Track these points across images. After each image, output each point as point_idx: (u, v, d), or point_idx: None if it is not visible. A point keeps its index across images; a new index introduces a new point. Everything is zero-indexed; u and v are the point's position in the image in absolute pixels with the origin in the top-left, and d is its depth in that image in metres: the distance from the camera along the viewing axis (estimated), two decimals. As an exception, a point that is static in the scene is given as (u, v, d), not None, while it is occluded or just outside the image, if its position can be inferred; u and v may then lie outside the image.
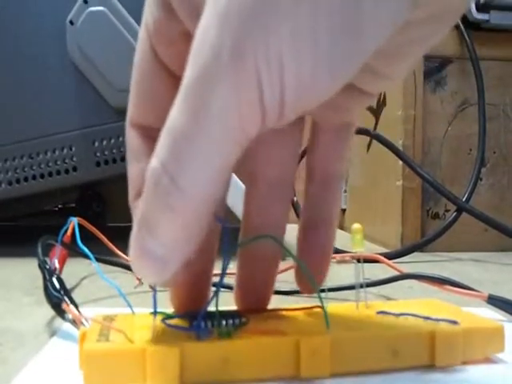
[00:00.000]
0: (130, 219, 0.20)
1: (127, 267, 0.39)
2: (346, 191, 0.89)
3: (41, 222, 0.85)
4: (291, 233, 0.27)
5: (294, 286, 0.27)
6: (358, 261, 0.28)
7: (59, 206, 0.89)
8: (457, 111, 0.67)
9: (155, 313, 0.23)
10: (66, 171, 0.59)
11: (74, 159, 0.58)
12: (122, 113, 0.24)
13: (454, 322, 0.24)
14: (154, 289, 0.22)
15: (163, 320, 0.23)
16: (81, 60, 0.57)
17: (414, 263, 0.57)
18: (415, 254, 0.60)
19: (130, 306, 0.24)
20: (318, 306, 0.24)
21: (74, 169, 0.58)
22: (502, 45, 0.67)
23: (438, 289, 0.33)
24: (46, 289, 0.28)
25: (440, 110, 0.67)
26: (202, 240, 0.19)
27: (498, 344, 0.24)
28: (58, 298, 0.27)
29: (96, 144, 0.58)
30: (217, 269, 0.24)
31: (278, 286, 0.28)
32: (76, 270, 0.45)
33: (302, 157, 0.27)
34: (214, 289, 0.22)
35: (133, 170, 0.23)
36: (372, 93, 0.23)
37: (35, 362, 0.24)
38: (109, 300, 0.37)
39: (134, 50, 0.23)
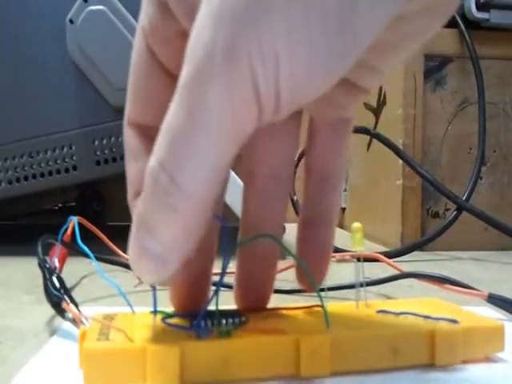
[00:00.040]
0: (130, 218, 0.20)
1: (127, 266, 0.39)
2: (346, 190, 0.89)
3: (41, 220, 0.85)
4: (291, 231, 0.27)
5: (294, 285, 0.27)
6: (358, 260, 0.28)
7: (59, 205, 0.89)
8: (457, 110, 0.67)
9: (155, 312, 0.23)
10: (66, 170, 0.59)
11: (74, 158, 0.58)
12: (121, 112, 0.24)
13: (454, 321, 0.24)
14: (153, 288, 0.22)
15: (163, 319, 0.23)
16: (81, 59, 0.57)
17: (414, 262, 0.57)
18: (415, 252, 0.60)
19: (130, 305, 0.24)
20: (318, 305, 0.24)
21: (74, 168, 0.58)
22: (502, 44, 0.67)
23: (438, 288, 0.33)
24: (46, 288, 0.28)
25: (440, 109, 0.67)
26: (201, 239, 0.19)
27: (498, 343, 0.24)
28: (58, 296, 0.27)
29: (96, 143, 0.58)
30: (217, 268, 0.24)
31: (278, 285, 0.28)
32: (76, 269, 0.45)
33: (301, 157, 0.27)
34: (214, 288, 0.22)
35: (131, 169, 0.23)
36: (367, 87, 0.23)
37: (35, 360, 0.24)
38: (109, 299, 0.37)
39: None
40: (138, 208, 0.19)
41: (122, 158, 0.60)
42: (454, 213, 0.62)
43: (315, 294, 0.24)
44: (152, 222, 0.19)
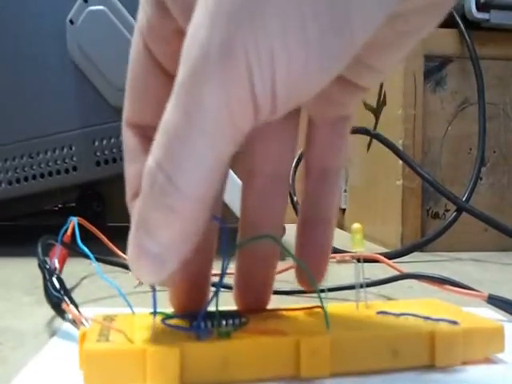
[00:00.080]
0: (129, 219, 0.20)
1: (127, 267, 0.39)
2: (346, 191, 0.89)
3: (41, 221, 0.85)
4: (291, 232, 0.27)
5: (294, 286, 0.27)
6: (358, 260, 0.28)
7: (59, 206, 0.88)
8: (457, 111, 0.67)
9: (155, 313, 0.23)
10: (66, 171, 0.58)
11: (74, 159, 0.58)
12: (121, 112, 0.24)
13: (454, 322, 0.24)
14: (153, 289, 0.22)
15: (163, 320, 0.23)
16: (81, 59, 0.57)
17: (413, 263, 0.57)
18: (415, 253, 0.60)
19: (129, 305, 0.24)
20: (318, 306, 0.24)
21: (74, 168, 0.58)
22: (503, 44, 0.67)
23: (438, 289, 0.33)
24: (46, 288, 0.28)
25: (440, 110, 0.67)
26: (200, 239, 0.19)
27: (498, 344, 0.24)
28: (58, 297, 0.27)
29: (96, 143, 0.58)
30: (216, 269, 0.24)
31: (278, 286, 0.28)
32: (76, 270, 0.45)
33: (301, 158, 0.27)
34: (214, 289, 0.22)
35: (130, 170, 0.23)
36: (365, 86, 0.23)
37: (35, 361, 0.24)
38: (109, 300, 0.37)
39: (133, 49, 0.23)
40: (136, 209, 0.19)
41: (122, 158, 0.59)
42: (454, 213, 0.62)
43: (315, 295, 0.24)
44: (150, 223, 0.19)
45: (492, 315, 0.32)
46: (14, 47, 0.58)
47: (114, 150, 0.58)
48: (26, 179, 0.59)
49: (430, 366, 0.23)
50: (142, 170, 0.19)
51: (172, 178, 0.18)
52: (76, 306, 0.26)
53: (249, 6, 0.16)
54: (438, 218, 0.67)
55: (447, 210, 0.66)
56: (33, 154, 0.58)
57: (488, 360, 0.24)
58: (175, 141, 0.18)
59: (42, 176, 0.59)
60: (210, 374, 0.21)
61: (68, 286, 0.29)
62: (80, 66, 0.57)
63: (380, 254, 0.45)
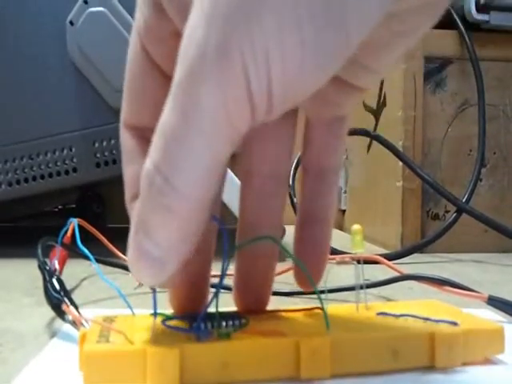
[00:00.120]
0: (129, 220, 0.20)
1: (127, 268, 0.39)
2: (346, 192, 0.89)
3: (41, 223, 0.85)
4: (291, 233, 0.27)
5: (294, 288, 0.27)
6: (358, 262, 0.28)
7: (59, 207, 0.88)
8: (457, 112, 0.67)
9: (155, 314, 0.23)
10: (66, 172, 0.58)
11: (74, 160, 0.58)
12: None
13: (454, 324, 0.24)
14: (153, 290, 0.22)
15: (163, 321, 0.23)
16: (81, 60, 0.57)
17: (413, 264, 0.57)
18: (415, 254, 0.60)
19: (130, 307, 0.24)
20: (318, 307, 0.24)
21: (74, 170, 0.58)
22: (502, 45, 0.67)
23: (438, 290, 0.33)
24: (46, 290, 0.28)
25: (440, 111, 0.67)
26: (199, 240, 0.19)
27: (498, 345, 0.24)
28: (58, 299, 0.27)
29: (96, 145, 0.58)
30: (216, 270, 0.24)
31: (278, 287, 0.28)
32: (76, 271, 0.45)
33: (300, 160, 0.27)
34: (213, 290, 0.22)
35: (128, 171, 0.23)
36: (361, 87, 0.23)
37: (35, 362, 0.24)
38: (109, 301, 0.37)
39: (133, 50, 0.23)
40: (135, 211, 0.19)
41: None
42: (454, 215, 0.62)
43: (315, 297, 0.24)
44: (149, 224, 0.19)
45: (492, 316, 0.32)
46: (14, 48, 0.58)
47: (114, 152, 0.58)
48: (25, 180, 0.59)
49: (430, 367, 0.23)
50: (140, 172, 0.19)
51: (169, 178, 0.18)
52: (76, 307, 0.26)
53: (244, 8, 0.16)
54: (438, 219, 0.67)
55: (447, 211, 0.66)
56: (33, 156, 0.58)
57: (488, 361, 0.24)
58: (172, 142, 0.18)
59: (42, 177, 0.59)
60: (210, 375, 0.21)
61: (68, 287, 0.29)
62: (80, 67, 0.57)
63: (380, 255, 0.45)
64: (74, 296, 0.28)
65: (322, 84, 0.18)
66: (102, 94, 0.57)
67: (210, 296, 0.22)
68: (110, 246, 0.38)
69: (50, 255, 0.33)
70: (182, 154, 0.17)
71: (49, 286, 0.28)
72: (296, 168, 0.59)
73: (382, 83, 0.71)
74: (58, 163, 0.58)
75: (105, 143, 0.58)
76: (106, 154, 0.58)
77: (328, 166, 0.25)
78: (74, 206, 0.87)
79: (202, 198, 0.18)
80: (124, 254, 0.37)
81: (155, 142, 0.18)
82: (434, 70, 0.67)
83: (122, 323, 0.23)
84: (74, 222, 0.30)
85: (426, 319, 0.25)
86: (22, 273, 0.47)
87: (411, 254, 0.60)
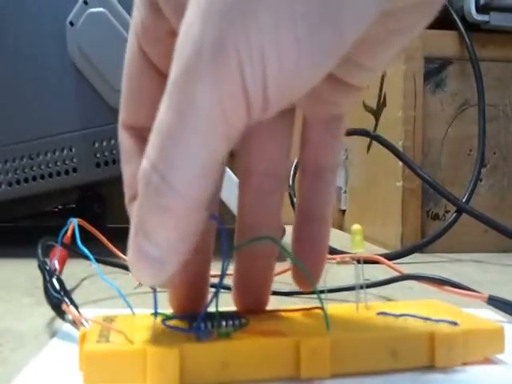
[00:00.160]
0: (129, 220, 0.20)
1: (127, 268, 0.39)
2: (346, 192, 0.89)
3: (41, 223, 0.85)
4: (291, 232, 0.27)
5: (293, 288, 0.27)
6: (358, 262, 0.28)
7: (59, 207, 0.88)
8: (457, 112, 0.67)
9: (156, 314, 0.23)
10: (66, 172, 0.58)
11: (74, 160, 0.58)
12: (120, 114, 0.24)
13: (454, 323, 0.24)
14: (154, 290, 0.22)
15: (163, 321, 0.23)
16: (81, 61, 0.57)
17: (414, 264, 0.57)
18: (415, 254, 0.60)
19: (130, 306, 0.24)
20: (318, 307, 0.24)
21: (74, 170, 0.58)
22: (502, 46, 0.67)
23: (438, 290, 0.33)
24: (46, 290, 0.28)
25: (440, 111, 0.67)
26: (198, 239, 0.19)
27: (498, 345, 0.24)
28: (58, 298, 0.27)
29: (96, 145, 0.58)
30: (215, 270, 0.24)
31: (277, 287, 0.28)
32: (76, 271, 0.45)
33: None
34: (214, 290, 0.22)
35: (127, 171, 0.23)
36: (357, 85, 0.23)
37: (35, 362, 0.24)
38: (109, 301, 0.37)
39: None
40: (134, 211, 0.19)
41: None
42: (454, 215, 0.62)
43: (315, 296, 0.24)
44: (147, 225, 0.19)
45: (492, 316, 0.32)
46: (14, 48, 0.58)
47: (114, 152, 0.58)
48: (25, 180, 0.59)
49: (430, 367, 0.23)
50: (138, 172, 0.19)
51: (166, 177, 0.18)
52: (76, 307, 0.26)
53: (241, 4, 0.16)
54: (438, 219, 0.67)
55: (447, 211, 0.66)
56: (33, 156, 0.58)
57: (488, 361, 0.24)
58: (168, 140, 0.18)
59: (42, 177, 0.59)
60: (210, 375, 0.21)
61: (68, 287, 0.29)
62: (80, 67, 0.57)
63: (380, 255, 0.45)
64: (74, 296, 0.28)
65: (317, 81, 0.18)
66: (102, 94, 0.57)
67: (210, 296, 0.22)
68: (110, 245, 0.38)
69: (50, 255, 0.33)
70: (178, 152, 0.17)
71: (49, 285, 0.28)
72: (296, 168, 0.59)
73: (381, 83, 0.71)
74: (58, 163, 0.58)
75: (105, 143, 0.58)
76: (106, 153, 0.58)
77: (325, 165, 0.25)
78: (74, 205, 0.87)
79: (200, 197, 0.18)
80: (124, 253, 0.37)
81: (152, 140, 0.18)
82: (434, 70, 0.67)
83: (122, 323, 0.23)
84: (74, 222, 0.30)
85: (426, 319, 0.25)
86: (22, 273, 0.47)
87: (411, 253, 0.60)
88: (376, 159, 0.74)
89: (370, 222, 0.75)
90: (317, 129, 0.25)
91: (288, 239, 0.26)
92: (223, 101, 0.17)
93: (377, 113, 0.74)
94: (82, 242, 0.26)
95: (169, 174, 0.18)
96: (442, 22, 0.65)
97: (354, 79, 0.22)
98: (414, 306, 0.27)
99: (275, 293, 0.35)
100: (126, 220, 0.21)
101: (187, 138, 0.17)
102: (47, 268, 0.30)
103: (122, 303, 0.24)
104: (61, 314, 0.27)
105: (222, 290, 0.22)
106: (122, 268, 0.40)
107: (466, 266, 0.58)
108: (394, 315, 0.25)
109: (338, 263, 0.49)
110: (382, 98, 0.72)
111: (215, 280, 0.25)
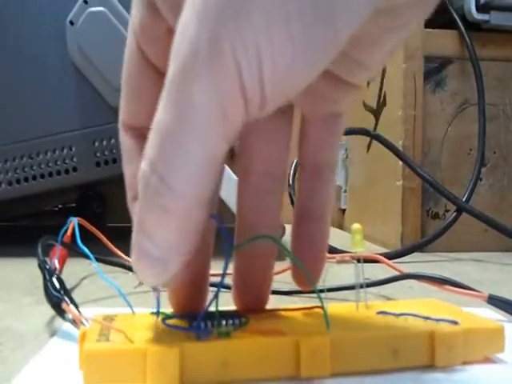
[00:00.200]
0: (130, 220, 0.20)
1: (127, 267, 0.39)
2: (346, 191, 0.89)
3: (41, 222, 0.85)
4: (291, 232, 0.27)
5: (293, 287, 0.27)
6: (358, 261, 0.28)
7: (59, 206, 0.89)
8: (457, 111, 0.67)
9: (158, 313, 0.23)
10: (66, 171, 0.58)
11: (74, 159, 0.58)
12: (120, 113, 0.24)
13: (454, 322, 0.24)
14: (156, 289, 0.22)
15: (163, 320, 0.23)
16: (81, 60, 0.57)
17: (414, 263, 0.57)
18: (415, 254, 0.60)
19: (130, 306, 0.24)
20: (318, 307, 0.24)
21: (74, 169, 0.58)
22: (502, 45, 0.67)
23: (438, 289, 0.33)
24: (46, 289, 0.28)
25: (440, 111, 0.67)
26: (198, 239, 0.19)
27: (498, 344, 0.24)
28: (58, 297, 0.27)
29: (96, 144, 0.58)
30: (215, 269, 0.24)
31: (277, 286, 0.28)
32: (76, 270, 0.45)
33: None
34: (214, 289, 0.22)
35: (128, 171, 0.23)
36: (354, 83, 0.23)
37: (35, 361, 0.24)
38: (109, 300, 0.37)
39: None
40: (135, 211, 0.19)
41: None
42: (454, 214, 0.62)
43: (315, 296, 0.24)
44: (147, 225, 0.19)
45: (492, 315, 0.32)
46: (14, 48, 0.58)
47: (114, 151, 0.58)
48: (26, 180, 0.59)
49: (430, 366, 0.23)
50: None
51: (164, 177, 0.18)
52: (76, 306, 0.26)
53: (233, 5, 0.16)
54: (438, 218, 0.67)
55: (447, 211, 0.66)
56: (33, 155, 0.58)
57: (488, 360, 0.24)
58: (167, 139, 0.18)
59: (42, 177, 0.59)
60: (210, 374, 0.21)
61: (68, 286, 0.29)
62: (80, 67, 0.57)
63: (380, 254, 0.45)
64: (74, 295, 0.28)
65: (312, 78, 0.18)
66: (102, 94, 0.57)
67: (210, 295, 0.22)
68: (110, 245, 0.38)
69: (50, 254, 0.33)
70: (177, 151, 0.17)
71: (49, 284, 0.28)
72: (296, 167, 0.59)
73: (381, 83, 0.71)
74: (58, 162, 0.58)
75: (105, 142, 0.58)
76: (106, 153, 0.58)
77: (324, 163, 0.25)
78: (74, 205, 0.87)
79: (199, 197, 0.18)
80: (124, 253, 0.38)
81: (150, 140, 0.18)
82: (434, 69, 0.67)
83: (122, 322, 0.23)
84: (74, 221, 0.30)
85: (426, 318, 0.25)
86: (22, 272, 0.47)
87: (411, 253, 0.60)
88: (376, 158, 0.74)
89: (369, 221, 0.75)
90: (316, 126, 0.25)
91: (288, 238, 0.26)
92: (220, 99, 0.17)
93: (377, 112, 0.74)
94: (82, 241, 0.26)
95: (168, 175, 0.18)
96: (442, 21, 0.65)
97: (352, 77, 0.22)
98: (414, 306, 0.27)
99: (275, 292, 0.35)
100: (126, 219, 0.21)
101: (185, 136, 0.17)
102: (47, 267, 0.30)
103: (121, 302, 0.24)
104: (61, 313, 0.27)
105: (223, 289, 0.22)
106: (121, 267, 0.40)
107: (466, 265, 0.58)
108: (394, 314, 0.25)
109: (338, 262, 0.49)
110: (382, 98, 0.72)
111: (215, 279, 0.25)
